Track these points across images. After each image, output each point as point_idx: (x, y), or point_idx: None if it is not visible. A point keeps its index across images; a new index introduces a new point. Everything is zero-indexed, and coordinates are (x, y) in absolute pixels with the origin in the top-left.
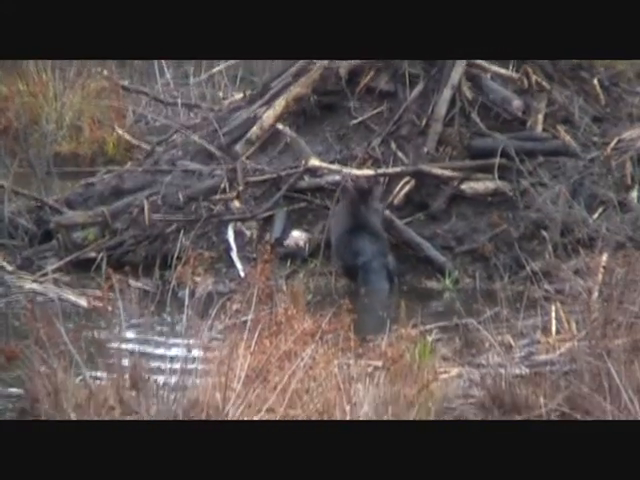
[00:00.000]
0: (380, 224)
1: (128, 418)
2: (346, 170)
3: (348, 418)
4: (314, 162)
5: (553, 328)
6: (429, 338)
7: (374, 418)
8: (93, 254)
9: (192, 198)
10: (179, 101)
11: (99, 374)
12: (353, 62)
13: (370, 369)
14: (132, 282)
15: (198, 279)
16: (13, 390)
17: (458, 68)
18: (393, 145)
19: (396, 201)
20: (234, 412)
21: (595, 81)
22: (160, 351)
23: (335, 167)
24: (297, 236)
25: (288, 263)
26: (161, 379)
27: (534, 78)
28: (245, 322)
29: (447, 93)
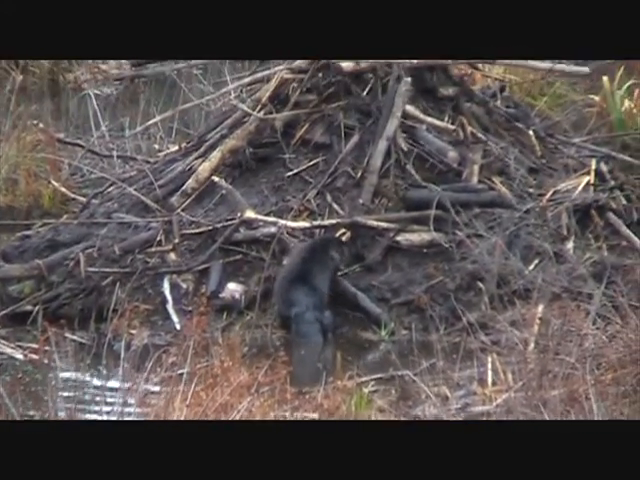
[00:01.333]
0: (328, 276)
1: None
2: (282, 222)
3: None
4: (250, 214)
5: (489, 379)
6: (365, 390)
7: None
8: (29, 307)
9: (128, 251)
10: (115, 153)
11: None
12: (288, 114)
13: None
14: (68, 335)
15: (134, 332)
16: None
17: (393, 120)
18: (329, 197)
19: None
20: None
21: (531, 132)
22: (96, 404)
23: (271, 219)
24: (233, 288)
25: (224, 315)
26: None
27: (469, 129)
28: (181, 374)
29: (382, 145)
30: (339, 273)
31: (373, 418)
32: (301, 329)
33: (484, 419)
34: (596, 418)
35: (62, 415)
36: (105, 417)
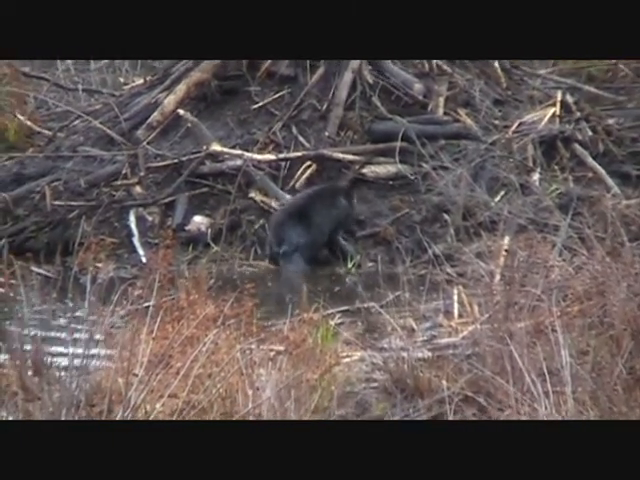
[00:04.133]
0: (332, 219)
1: (31, 404)
2: (247, 155)
3: (251, 403)
4: (215, 147)
5: (455, 311)
6: (331, 322)
7: (276, 403)
8: None
9: (93, 184)
10: (80, 87)
11: (1, 360)
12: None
13: (272, 354)
14: (34, 268)
15: (100, 265)
16: None
17: None
18: (294, 129)
19: (298, 185)
20: (137, 397)
21: (496, 64)
22: (62, 337)
23: (236, 152)
24: (199, 221)
25: (190, 248)
26: (64, 365)
27: (435, 61)
28: (147, 307)
29: (348, 77)
30: (347, 219)
31: (339, 350)
32: (288, 267)
33: (450, 352)
34: (562, 350)
35: (28, 348)
36: (71, 351)
